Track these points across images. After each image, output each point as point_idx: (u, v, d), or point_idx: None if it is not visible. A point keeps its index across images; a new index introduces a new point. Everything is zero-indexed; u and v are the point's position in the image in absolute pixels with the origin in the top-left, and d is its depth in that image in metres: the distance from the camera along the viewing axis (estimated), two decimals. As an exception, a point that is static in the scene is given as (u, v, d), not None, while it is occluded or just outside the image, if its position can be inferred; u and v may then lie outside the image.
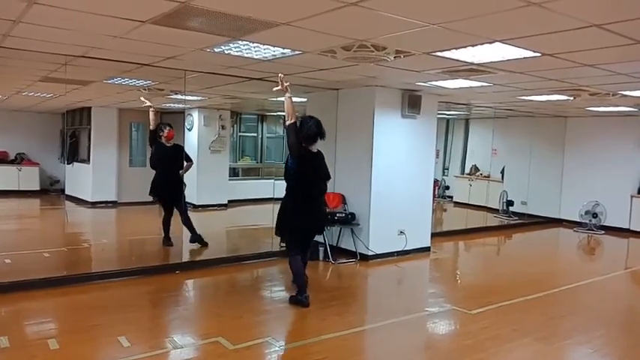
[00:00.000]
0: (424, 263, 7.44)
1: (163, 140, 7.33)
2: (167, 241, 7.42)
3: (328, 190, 5.36)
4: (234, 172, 13.31)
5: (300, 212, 4.90)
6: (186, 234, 7.52)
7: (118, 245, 8.33)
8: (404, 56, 4.61)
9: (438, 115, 8.19)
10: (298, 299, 4.98)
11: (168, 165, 7.29)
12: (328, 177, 5.14)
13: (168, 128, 7.37)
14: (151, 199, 7.57)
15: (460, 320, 4.92)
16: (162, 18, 3.58)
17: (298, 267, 4.99)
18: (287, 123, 4.83)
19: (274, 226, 5.15)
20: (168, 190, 7.32)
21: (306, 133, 4.83)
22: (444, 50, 4.35)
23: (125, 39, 4.28)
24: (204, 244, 7.48)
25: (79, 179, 12.03)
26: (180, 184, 7.43)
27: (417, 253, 7.52)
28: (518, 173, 11.55)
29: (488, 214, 11.58)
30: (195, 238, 7.44)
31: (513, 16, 3.21)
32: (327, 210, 6.64)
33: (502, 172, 12.14)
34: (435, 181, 11.45)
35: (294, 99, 8.62)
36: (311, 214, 4.97)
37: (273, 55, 4.84)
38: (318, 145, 5.01)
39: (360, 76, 6.05)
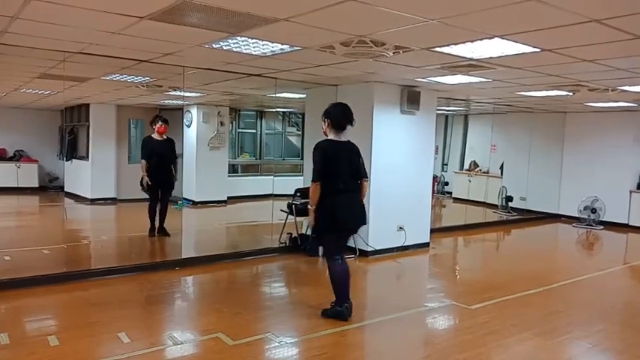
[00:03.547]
0: (423, 259, 7.45)
1: (155, 135, 7.43)
2: (152, 232, 7.53)
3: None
4: (233, 169, 13.31)
5: (335, 210, 4.39)
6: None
7: (117, 242, 8.32)
8: (403, 52, 4.60)
9: (437, 111, 8.18)
10: (337, 311, 4.47)
11: (162, 159, 7.42)
12: (361, 174, 4.57)
13: (160, 123, 7.45)
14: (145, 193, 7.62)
15: (459, 315, 4.93)
16: (160, 14, 3.57)
17: (339, 274, 4.48)
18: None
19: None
20: (159, 183, 7.42)
21: (335, 118, 4.47)
22: (442, 46, 4.34)
23: (123, 35, 4.26)
24: (166, 234, 7.63)
25: (78, 176, 12.02)
26: (172, 176, 7.59)
27: (416, 249, 7.53)
28: (517, 169, 11.57)
29: (487, 210, 11.60)
30: (161, 228, 7.62)
31: (512, 11, 3.20)
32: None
33: (501, 167, 12.14)
34: (434, 177, 11.49)
35: (293, 95, 8.73)
36: (347, 210, 4.46)
37: (271, 51, 4.82)
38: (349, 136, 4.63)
39: (358, 72, 6.03)
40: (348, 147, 4.56)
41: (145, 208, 7.60)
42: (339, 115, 4.48)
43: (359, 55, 4.72)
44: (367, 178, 4.71)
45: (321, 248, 6.89)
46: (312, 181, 4.41)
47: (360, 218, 4.65)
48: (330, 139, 4.49)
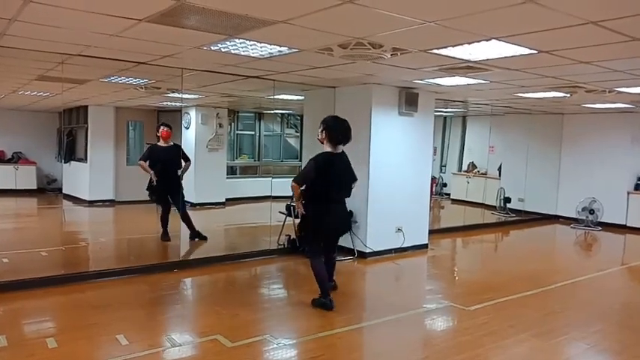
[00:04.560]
0: (422, 260, 7.46)
1: (161, 142, 7.40)
2: (165, 236, 7.46)
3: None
4: (231, 171, 13.31)
5: (324, 215, 4.81)
6: (185, 231, 7.54)
7: (115, 244, 8.32)
8: (401, 54, 4.61)
9: (435, 113, 8.20)
10: (322, 302, 4.86)
11: (167, 165, 7.33)
12: (354, 178, 5.05)
13: (162, 127, 7.42)
14: (148, 197, 7.59)
15: (458, 316, 4.94)
16: (158, 16, 3.58)
17: (321, 270, 4.89)
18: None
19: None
20: (166, 190, 7.35)
21: (335, 136, 4.78)
22: (440, 48, 4.36)
23: (121, 37, 4.27)
24: (203, 238, 7.64)
25: (77, 178, 12.01)
26: (179, 182, 7.47)
27: (414, 250, 7.53)
28: (515, 170, 11.58)
29: (485, 211, 11.61)
30: (194, 234, 7.57)
31: (510, 13, 3.22)
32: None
33: (499, 169, 12.16)
34: (433, 179, 11.49)
35: (291, 97, 8.73)
36: (335, 216, 4.89)
37: (270, 53, 4.83)
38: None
39: (357, 74, 6.05)
40: (343, 158, 4.92)
41: (143, 209, 7.61)
42: (340, 136, 4.81)
43: (357, 57, 4.74)
44: (356, 179, 5.11)
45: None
46: (293, 180, 4.80)
47: (346, 224, 5.23)
48: (329, 152, 4.83)
